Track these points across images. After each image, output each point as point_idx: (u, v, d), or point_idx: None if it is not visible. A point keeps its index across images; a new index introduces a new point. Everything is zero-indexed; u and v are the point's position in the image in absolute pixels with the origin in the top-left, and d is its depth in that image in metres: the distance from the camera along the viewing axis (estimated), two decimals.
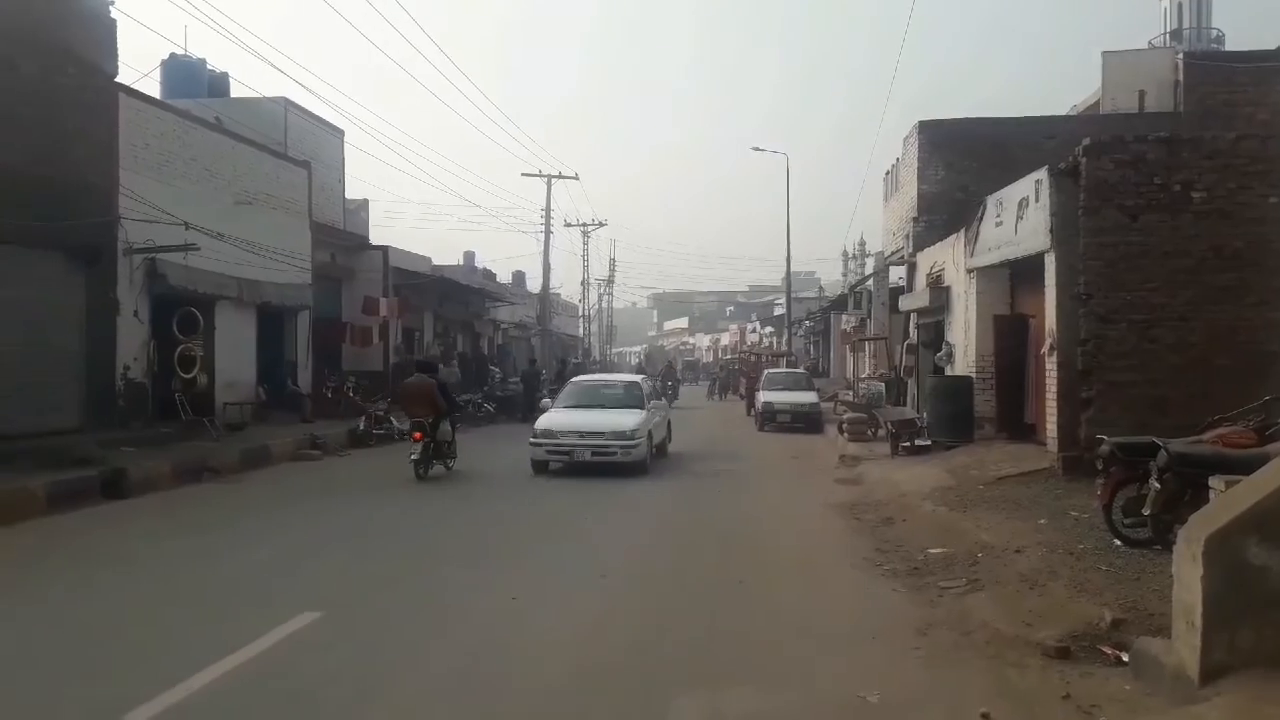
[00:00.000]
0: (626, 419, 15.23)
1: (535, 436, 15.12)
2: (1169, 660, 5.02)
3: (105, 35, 16.21)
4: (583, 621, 6.85)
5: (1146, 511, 7.79)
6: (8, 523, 10.37)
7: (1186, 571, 4.90)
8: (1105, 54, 23.52)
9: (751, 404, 28.80)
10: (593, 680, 5.61)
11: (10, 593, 7.66)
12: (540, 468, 15.02)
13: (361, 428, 19.75)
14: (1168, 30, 29.67)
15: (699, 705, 5.21)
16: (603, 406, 15.95)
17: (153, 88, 23.44)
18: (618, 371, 68.79)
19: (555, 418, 15.63)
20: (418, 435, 14.40)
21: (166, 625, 6.69)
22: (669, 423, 18.21)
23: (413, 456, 14.26)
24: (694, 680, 5.58)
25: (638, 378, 19.23)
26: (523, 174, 54.51)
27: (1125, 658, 5.53)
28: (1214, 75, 21.63)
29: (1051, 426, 12.82)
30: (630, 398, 16.41)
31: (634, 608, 7.28)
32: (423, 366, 16.25)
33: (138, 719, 4.92)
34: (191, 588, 7.79)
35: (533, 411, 25.82)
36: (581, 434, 14.86)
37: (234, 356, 20.09)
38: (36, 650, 6.16)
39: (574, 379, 19.27)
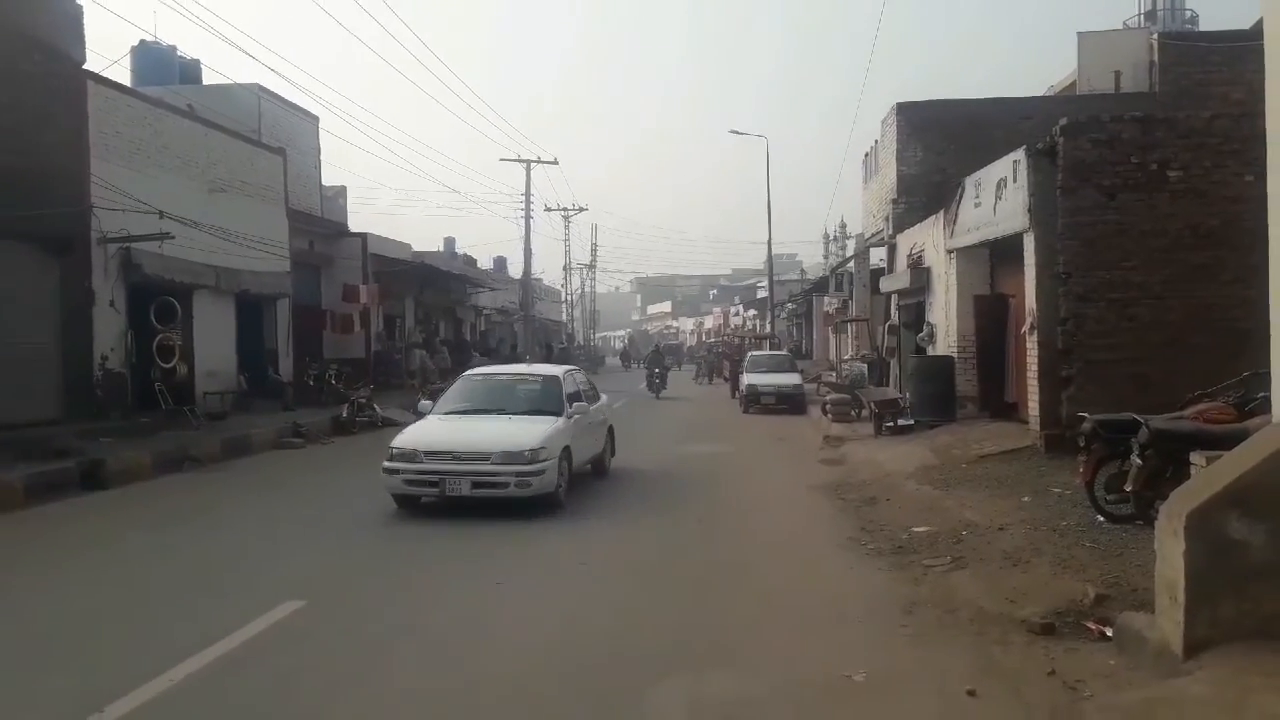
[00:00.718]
0: (528, 431, 10.44)
1: (391, 458, 10.30)
2: (1152, 635, 5.05)
3: (72, 21, 15.98)
4: (565, 606, 6.84)
5: (1128, 488, 7.84)
6: None
7: (1168, 547, 4.93)
8: (1081, 34, 23.58)
9: (736, 387, 28.85)
10: (572, 666, 5.60)
11: None
12: (408, 501, 10.50)
13: (344, 415, 19.64)
14: (1142, 11, 29.69)
15: (679, 691, 5.20)
16: (502, 412, 11.30)
17: (123, 75, 23.15)
18: (605, 355, 68.24)
19: (427, 429, 10.94)
20: None
21: (148, 617, 6.64)
22: (610, 431, 13.40)
23: None
24: (675, 665, 5.55)
25: (558, 370, 13.02)
26: (501, 159, 54.30)
27: (1109, 633, 5.56)
28: (1188, 55, 21.74)
29: (1033, 405, 12.89)
30: (543, 398, 11.60)
31: (614, 594, 7.27)
32: (546, 347, 21.19)
33: (118, 710, 4.87)
34: (173, 579, 7.73)
35: None
36: (457, 455, 10.10)
37: (213, 345, 19.94)
38: (13, 643, 6.10)
39: (468, 372, 13.51)
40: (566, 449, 10.78)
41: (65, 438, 13.51)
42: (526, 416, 11.05)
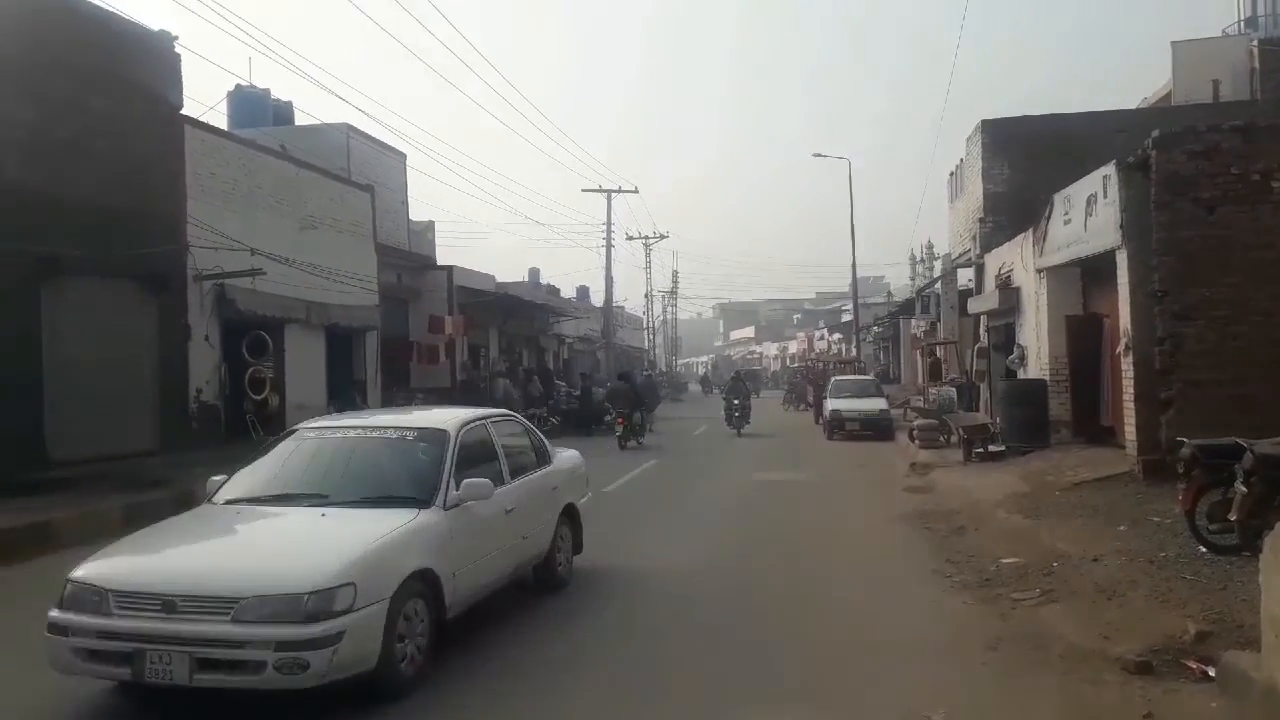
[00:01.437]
0: (328, 547, 5.67)
1: (61, 605, 5.41)
2: (1259, 675, 4.72)
3: (170, 70, 16.68)
4: (640, 632, 6.72)
5: (1233, 517, 7.40)
6: (87, 542, 10.58)
7: (1275, 581, 4.61)
8: (1175, 44, 22.82)
9: (819, 412, 28.41)
10: (644, 695, 5.48)
11: None
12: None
13: None
14: (1241, 19, 28.55)
15: None
16: (325, 499, 6.48)
17: (220, 119, 24.09)
18: (688, 382, 67.68)
19: (147, 542, 6.22)
20: (620, 420, 22.09)
21: None
22: (571, 512, 8.52)
23: (617, 434, 21.96)
24: (751, 697, 5.43)
25: (449, 420, 7.26)
26: (583, 190, 54.88)
27: (1211, 673, 5.24)
28: None
29: (1130, 429, 12.35)
30: (404, 474, 6.82)
31: (694, 621, 7.13)
32: (622, 376, 25.29)
33: None
34: None
35: (590, 425, 26.46)
36: (172, 602, 5.21)
37: (303, 377, 20.45)
38: None
39: (301, 425, 7.83)
40: (423, 574, 5.88)
41: (161, 468, 13.96)
42: (359, 510, 6.29)
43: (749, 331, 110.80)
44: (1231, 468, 7.52)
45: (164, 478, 13.50)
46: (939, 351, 27.58)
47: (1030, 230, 16.82)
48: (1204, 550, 7.70)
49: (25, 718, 5.48)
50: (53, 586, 5.46)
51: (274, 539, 6.15)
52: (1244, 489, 7.31)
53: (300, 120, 25.97)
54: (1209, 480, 7.87)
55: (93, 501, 11.81)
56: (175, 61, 16.83)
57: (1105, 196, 12.76)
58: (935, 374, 26.76)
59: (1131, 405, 12.24)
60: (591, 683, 5.78)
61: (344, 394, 22.29)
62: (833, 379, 29.85)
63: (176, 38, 16.81)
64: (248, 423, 17.99)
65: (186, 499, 12.63)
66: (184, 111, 17.27)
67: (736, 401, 26.23)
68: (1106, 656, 5.70)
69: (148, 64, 16.19)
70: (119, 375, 15.30)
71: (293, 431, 7.60)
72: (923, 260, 53.05)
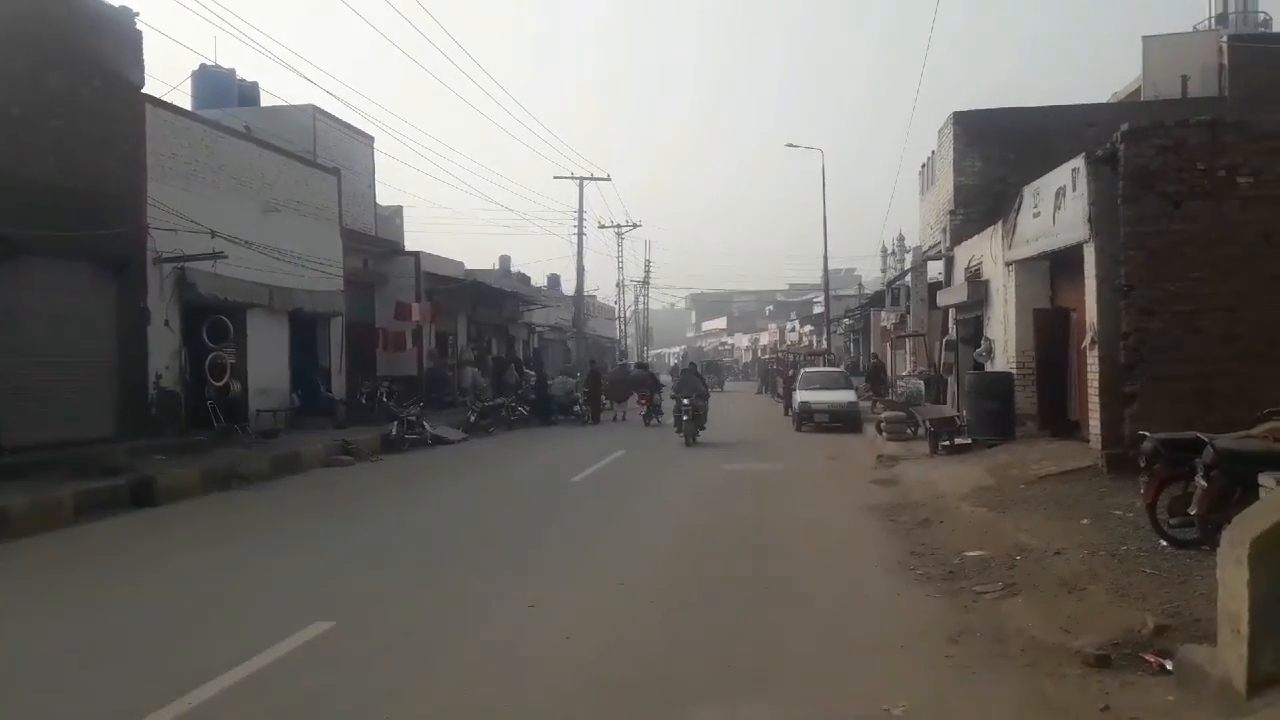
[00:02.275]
0: None
1: None
2: (1215, 670, 4.69)
3: (131, 47, 16.33)
4: (599, 630, 6.62)
5: (1193, 511, 7.42)
6: (36, 531, 10.41)
7: (1232, 575, 4.58)
8: (1146, 39, 22.92)
9: (789, 404, 28.44)
10: (606, 691, 5.39)
11: (27, 601, 7.65)
12: None
13: (394, 433, 19.72)
14: (1212, 14, 28.78)
15: (713, 718, 4.97)
16: None
17: (185, 99, 23.65)
18: (659, 373, 67.74)
19: None
20: (643, 401, 27.27)
21: (180, 634, 6.60)
22: None
23: (642, 413, 26.89)
24: (711, 692, 5.34)
25: None
26: (555, 176, 54.37)
27: (1169, 666, 5.20)
28: (1261, 58, 21.02)
29: (1095, 423, 12.39)
30: None
31: (653, 614, 7.04)
32: (640, 366, 30.32)
33: None
34: (208, 597, 7.70)
35: (548, 414, 27.82)
36: None
37: (266, 363, 20.16)
38: (48, 658, 6.12)
39: None
40: None
41: (118, 455, 13.68)
42: None
43: (721, 323, 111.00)
44: (1192, 462, 7.53)
45: (122, 465, 13.24)
46: (887, 352, 28.54)
47: (1000, 223, 16.86)
48: (1164, 544, 7.70)
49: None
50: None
51: None
52: (1204, 483, 7.33)
53: (266, 101, 25.59)
54: (1170, 474, 7.87)
55: (45, 490, 11.53)
56: (136, 38, 16.48)
57: (1074, 190, 12.79)
58: (878, 378, 29.86)
59: (1096, 399, 12.28)
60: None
61: (307, 381, 22.04)
62: (803, 371, 29.88)
63: (138, 14, 16.48)
64: (208, 409, 17.72)
65: (144, 487, 12.44)
66: (145, 90, 16.92)
67: (687, 402, 20.24)
68: (1066, 650, 5.67)
69: (108, 40, 15.85)
70: (75, 360, 15.01)
71: None
72: (893, 252, 53.16)
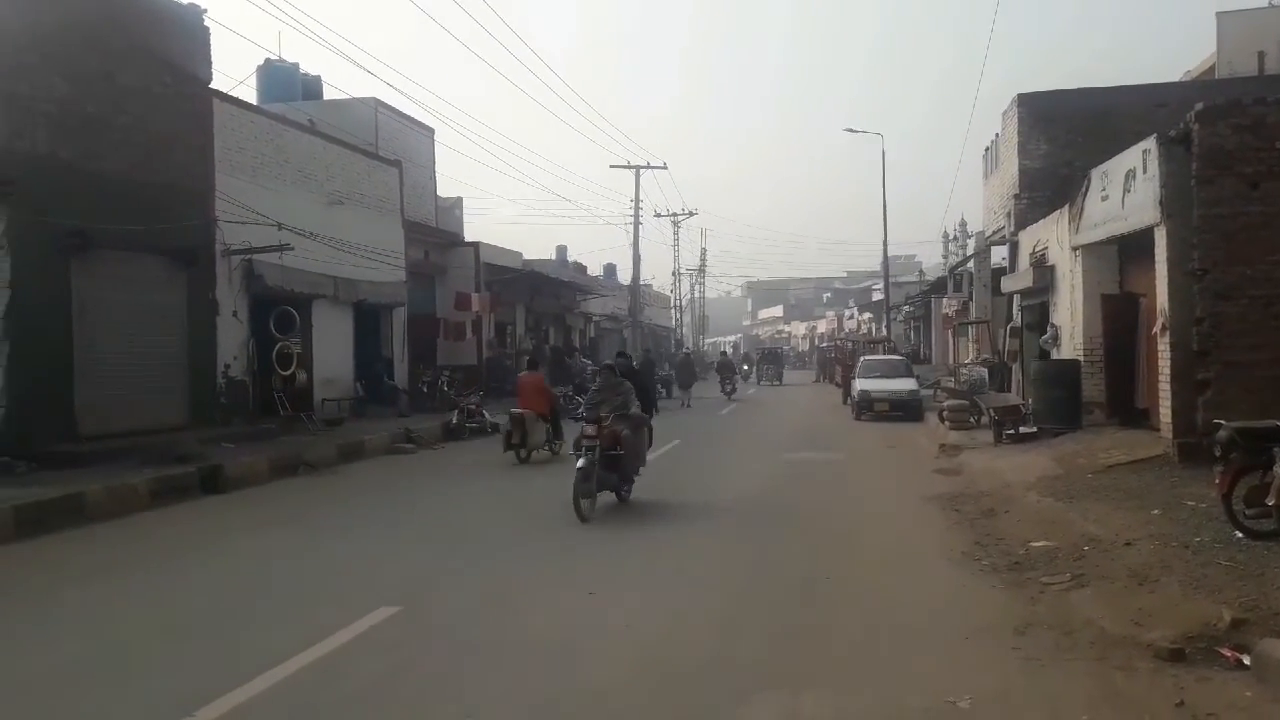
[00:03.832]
0: None
1: None
2: None
3: (199, 44, 16.71)
4: (659, 618, 6.64)
5: (1270, 501, 7.18)
6: (112, 517, 10.74)
7: None
8: (1221, 14, 22.20)
9: (847, 392, 28.17)
10: (665, 680, 5.40)
11: (98, 585, 7.87)
12: None
13: (455, 421, 19.94)
14: None
15: (775, 707, 4.95)
16: None
17: (250, 94, 24.14)
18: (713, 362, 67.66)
19: None
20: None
21: (245, 620, 6.75)
22: None
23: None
24: (773, 681, 5.32)
25: None
26: (611, 166, 54.54)
27: (1247, 661, 5.07)
28: None
29: (1165, 411, 12.07)
30: None
31: (714, 603, 7.04)
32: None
33: (210, 714, 4.92)
34: (274, 582, 7.89)
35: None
36: None
37: (331, 353, 20.54)
38: (119, 641, 6.30)
39: None
40: None
41: (189, 443, 14.05)
42: None
43: (777, 311, 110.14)
44: (1270, 451, 7.30)
45: (192, 453, 13.59)
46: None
47: (1066, 207, 16.48)
48: (1240, 535, 7.48)
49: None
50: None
51: None
52: None
53: (329, 95, 26.01)
54: (1247, 464, 7.64)
55: (121, 476, 11.90)
56: (204, 35, 16.86)
57: (1145, 172, 12.44)
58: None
59: (1167, 386, 11.96)
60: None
61: (371, 370, 22.39)
62: (862, 359, 29.57)
63: (205, 11, 16.84)
64: (275, 398, 18.10)
65: (213, 475, 12.76)
66: (213, 85, 17.29)
67: (590, 435, 10.73)
68: (1138, 643, 5.54)
69: (177, 38, 16.22)
70: (147, 350, 15.43)
71: None
72: (955, 238, 52.34)
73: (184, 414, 16.04)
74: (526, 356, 29.22)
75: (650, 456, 12.27)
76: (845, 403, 28.17)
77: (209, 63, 16.98)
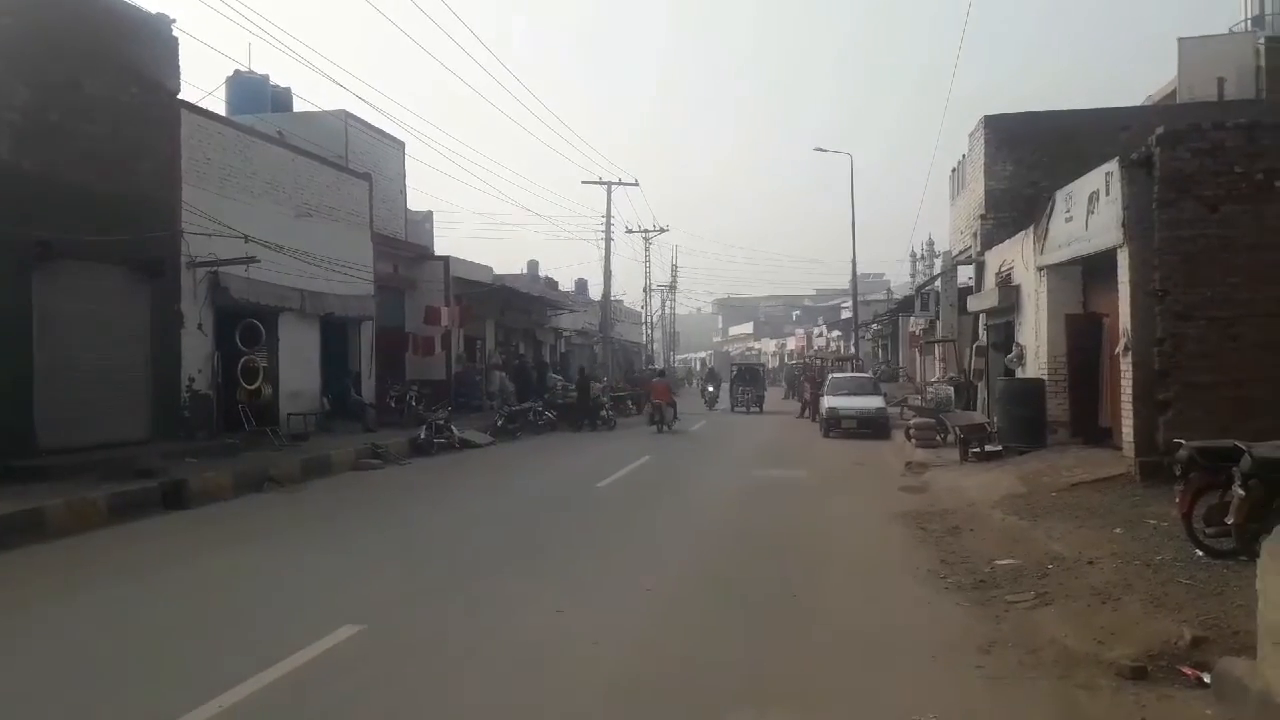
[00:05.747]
0: None
1: None
2: (1254, 683, 4.61)
3: (167, 53, 16.53)
4: (627, 636, 6.61)
5: (1230, 520, 7.28)
6: (71, 533, 10.53)
7: (1272, 585, 4.50)
8: (1182, 40, 22.63)
9: (816, 410, 28.32)
10: (635, 698, 5.38)
11: (60, 602, 7.71)
12: None
13: (422, 436, 19.80)
14: (1249, 17, 28.37)
15: None
16: None
17: (219, 105, 23.94)
18: (685, 379, 67.66)
19: None
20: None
21: (212, 636, 6.64)
22: None
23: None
24: (739, 699, 5.31)
25: None
26: (583, 181, 54.31)
27: (1207, 679, 5.12)
28: None
29: (1128, 430, 12.23)
30: None
31: (680, 620, 7.03)
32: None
33: None
34: (239, 598, 7.77)
35: (585, 420, 26.95)
36: None
37: (297, 367, 20.33)
38: (79, 660, 6.17)
39: None
40: None
41: (151, 457, 13.83)
42: None
43: (748, 328, 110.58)
44: (1230, 470, 7.39)
45: (155, 467, 13.38)
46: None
47: (1031, 228, 16.70)
48: (1200, 554, 7.58)
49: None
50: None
51: None
52: (1242, 492, 7.19)
53: (299, 107, 25.85)
54: (1206, 483, 7.74)
55: (79, 491, 11.67)
56: (173, 45, 16.69)
57: (1108, 194, 12.64)
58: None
59: (1129, 406, 12.12)
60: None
61: (338, 384, 22.19)
62: (830, 376, 29.74)
63: (174, 21, 16.68)
64: (240, 413, 17.89)
65: (176, 490, 12.56)
66: (181, 96, 17.13)
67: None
68: (1100, 661, 5.59)
69: (145, 47, 16.05)
70: (110, 363, 15.19)
71: None
72: (923, 257, 52.89)
73: (147, 428, 15.79)
74: (652, 367, 34.97)
75: (618, 473, 12.53)
76: (811, 418, 28.31)
77: (177, 73, 16.81)
